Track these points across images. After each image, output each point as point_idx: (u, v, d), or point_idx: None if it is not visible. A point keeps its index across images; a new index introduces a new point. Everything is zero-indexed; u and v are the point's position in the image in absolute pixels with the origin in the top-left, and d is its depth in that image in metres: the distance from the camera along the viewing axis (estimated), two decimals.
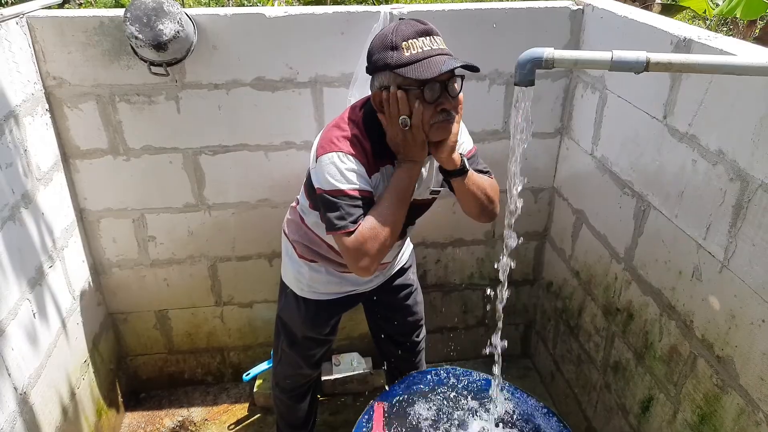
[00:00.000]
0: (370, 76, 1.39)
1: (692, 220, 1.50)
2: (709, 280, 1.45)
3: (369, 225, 1.36)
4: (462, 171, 1.45)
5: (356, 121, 1.43)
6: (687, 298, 1.54)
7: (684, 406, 1.57)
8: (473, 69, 1.30)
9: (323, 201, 1.39)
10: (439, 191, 1.61)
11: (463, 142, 1.57)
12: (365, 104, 1.46)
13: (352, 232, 1.35)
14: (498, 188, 1.59)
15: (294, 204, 1.77)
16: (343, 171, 1.36)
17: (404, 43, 1.28)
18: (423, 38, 1.29)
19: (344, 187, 1.36)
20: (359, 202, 1.37)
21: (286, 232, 1.77)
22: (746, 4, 3.96)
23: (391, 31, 1.31)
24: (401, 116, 1.33)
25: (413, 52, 1.28)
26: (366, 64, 1.39)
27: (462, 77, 1.34)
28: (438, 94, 1.30)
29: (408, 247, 1.93)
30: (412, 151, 1.38)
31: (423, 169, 1.52)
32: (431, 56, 1.28)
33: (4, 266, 1.60)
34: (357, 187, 1.37)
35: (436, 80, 1.28)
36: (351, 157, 1.37)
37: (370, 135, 1.42)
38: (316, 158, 1.41)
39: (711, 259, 1.43)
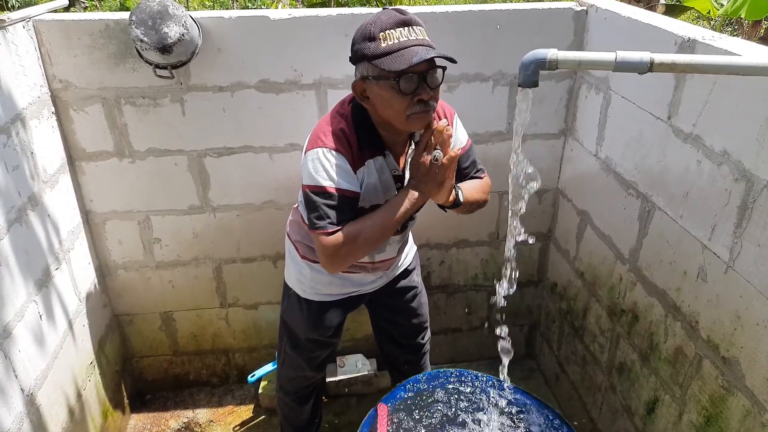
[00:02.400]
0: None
1: (697, 220, 1.49)
2: (714, 280, 1.45)
3: (353, 233, 1.39)
4: (456, 204, 1.51)
5: (344, 115, 1.44)
6: (692, 298, 1.54)
7: (689, 408, 1.57)
8: (449, 60, 1.29)
9: (305, 196, 1.41)
10: None
11: (458, 138, 1.61)
12: (354, 102, 1.47)
13: (330, 233, 1.38)
14: (489, 185, 1.66)
15: (296, 205, 1.77)
16: (326, 167, 1.37)
17: (381, 33, 1.29)
18: (401, 29, 1.29)
19: (325, 183, 1.37)
20: (336, 202, 1.38)
21: (289, 232, 1.78)
22: (751, 4, 3.95)
23: (371, 21, 1.31)
24: (436, 150, 1.35)
25: (389, 43, 1.28)
26: (349, 55, 1.40)
27: (444, 68, 1.34)
28: (415, 86, 1.30)
29: (412, 248, 1.93)
30: (428, 185, 1.40)
31: None
32: (406, 47, 1.27)
33: (11, 268, 1.61)
34: (336, 185, 1.38)
35: (413, 71, 1.28)
36: (335, 153, 1.38)
37: (358, 128, 1.43)
38: (304, 153, 1.43)
39: (716, 260, 1.43)
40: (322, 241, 1.39)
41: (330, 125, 1.42)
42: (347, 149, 1.40)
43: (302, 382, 1.98)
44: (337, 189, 1.38)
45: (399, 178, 1.52)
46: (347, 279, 1.72)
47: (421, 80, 1.30)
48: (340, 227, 1.39)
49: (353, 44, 1.36)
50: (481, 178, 1.67)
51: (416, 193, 1.41)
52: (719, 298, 1.43)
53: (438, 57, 1.27)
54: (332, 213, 1.38)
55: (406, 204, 1.41)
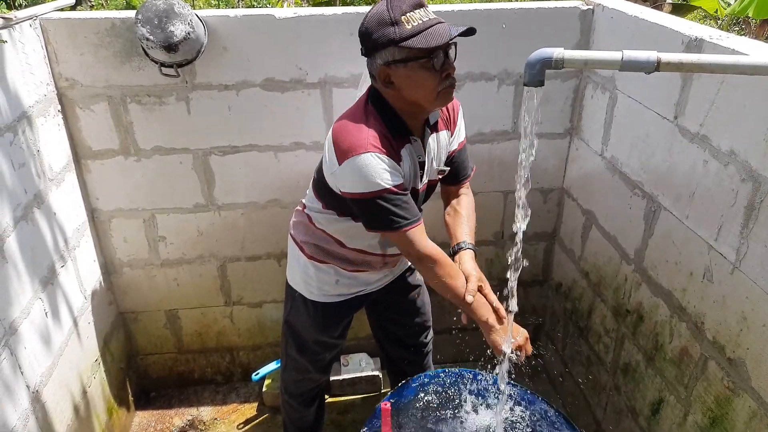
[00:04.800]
0: (367, 57, 1.41)
1: (703, 221, 1.49)
2: (720, 281, 1.44)
3: (444, 267, 1.47)
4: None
5: (372, 113, 1.44)
6: (698, 299, 1.53)
7: (695, 409, 1.56)
8: (473, 32, 1.34)
9: (365, 204, 1.39)
10: (446, 170, 1.64)
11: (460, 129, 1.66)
12: (370, 96, 1.46)
13: (413, 228, 1.42)
14: (473, 202, 1.75)
15: (300, 207, 1.74)
16: (380, 171, 1.36)
17: (403, 17, 1.31)
18: (419, 10, 1.33)
19: (389, 185, 1.37)
20: (402, 199, 1.40)
21: (293, 234, 1.76)
22: (758, 3, 3.92)
23: (385, 8, 1.33)
24: (516, 353, 1.47)
25: (414, 24, 1.31)
26: (361, 47, 1.40)
27: (455, 43, 1.38)
28: (442, 62, 1.34)
29: None
30: (490, 337, 1.51)
31: (433, 146, 1.56)
32: (432, 26, 1.32)
33: (17, 265, 1.62)
34: (399, 182, 1.39)
35: (441, 48, 1.32)
36: (382, 155, 1.37)
37: (387, 124, 1.43)
38: (341, 162, 1.38)
39: (722, 261, 1.42)
40: (410, 236, 1.42)
41: (365, 128, 1.40)
42: (389, 148, 1.41)
43: (308, 385, 1.98)
44: (399, 185, 1.39)
45: (422, 165, 1.53)
46: (354, 278, 1.72)
47: (445, 56, 1.35)
48: (419, 220, 1.44)
49: (369, 34, 1.36)
50: (469, 176, 1.73)
51: (486, 323, 1.49)
52: (725, 299, 1.42)
53: (466, 30, 1.32)
54: (407, 206, 1.40)
55: (478, 320, 1.49)
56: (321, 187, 1.55)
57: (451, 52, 1.37)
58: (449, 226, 1.71)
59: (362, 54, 1.41)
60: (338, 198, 1.48)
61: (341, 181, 1.42)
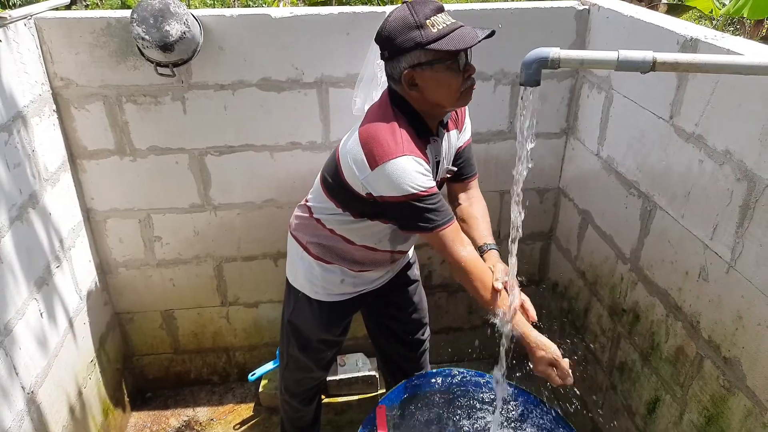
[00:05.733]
0: (385, 61, 1.43)
1: (699, 220, 1.49)
2: (715, 280, 1.44)
3: (478, 269, 1.45)
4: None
5: (397, 116, 1.44)
6: (693, 298, 1.54)
7: (690, 408, 1.57)
8: (493, 35, 1.38)
9: (400, 207, 1.39)
10: (454, 170, 1.66)
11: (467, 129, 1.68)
12: (391, 99, 1.47)
13: (449, 226, 1.43)
14: (483, 201, 1.75)
15: (306, 213, 1.70)
16: (418, 173, 1.38)
17: (428, 21, 1.35)
18: (441, 14, 1.37)
19: (427, 185, 1.39)
20: (438, 197, 1.43)
21: (296, 235, 1.74)
22: (753, 3, 3.94)
23: (409, 12, 1.36)
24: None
25: (439, 28, 1.35)
26: (383, 51, 1.42)
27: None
28: (465, 62, 1.39)
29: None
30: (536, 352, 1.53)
31: (445, 146, 1.57)
32: (456, 29, 1.36)
33: (12, 266, 1.62)
34: (433, 184, 1.41)
35: (463, 50, 1.36)
36: (415, 158, 1.39)
37: (414, 125, 1.45)
38: (374, 166, 1.37)
39: (718, 260, 1.43)
40: (443, 237, 1.42)
41: (398, 131, 1.41)
42: (420, 148, 1.43)
43: (309, 383, 1.98)
44: (434, 187, 1.41)
45: (437, 164, 1.54)
46: (359, 277, 1.72)
47: (466, 57, 1.40)
48: (452, 219, 1.44)
49: (392, 38, 1.37)
50: (475, 173, 1.74)
51: (529, 337, 1.50)
52: (721, 298, 1.43)
53: (490, 32, 1.36)
54: (437, 212, 1.41)
55: (522, 329, 1.48)
56: (335, 188, 1.53)
57: (468, 54, 1.41)
58: (467, 230, 1.67)
59: (382, 58, 1.43)
60: (360, 200, 1.47)
61: (375, 186, 1.40)
